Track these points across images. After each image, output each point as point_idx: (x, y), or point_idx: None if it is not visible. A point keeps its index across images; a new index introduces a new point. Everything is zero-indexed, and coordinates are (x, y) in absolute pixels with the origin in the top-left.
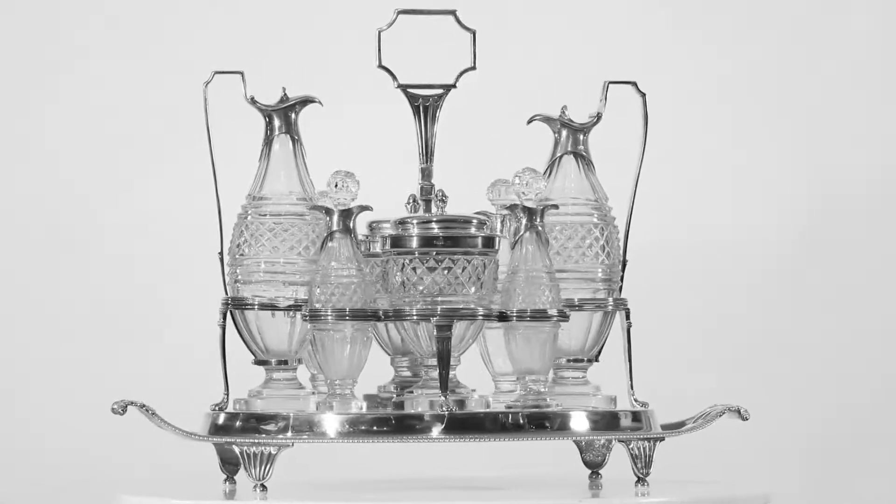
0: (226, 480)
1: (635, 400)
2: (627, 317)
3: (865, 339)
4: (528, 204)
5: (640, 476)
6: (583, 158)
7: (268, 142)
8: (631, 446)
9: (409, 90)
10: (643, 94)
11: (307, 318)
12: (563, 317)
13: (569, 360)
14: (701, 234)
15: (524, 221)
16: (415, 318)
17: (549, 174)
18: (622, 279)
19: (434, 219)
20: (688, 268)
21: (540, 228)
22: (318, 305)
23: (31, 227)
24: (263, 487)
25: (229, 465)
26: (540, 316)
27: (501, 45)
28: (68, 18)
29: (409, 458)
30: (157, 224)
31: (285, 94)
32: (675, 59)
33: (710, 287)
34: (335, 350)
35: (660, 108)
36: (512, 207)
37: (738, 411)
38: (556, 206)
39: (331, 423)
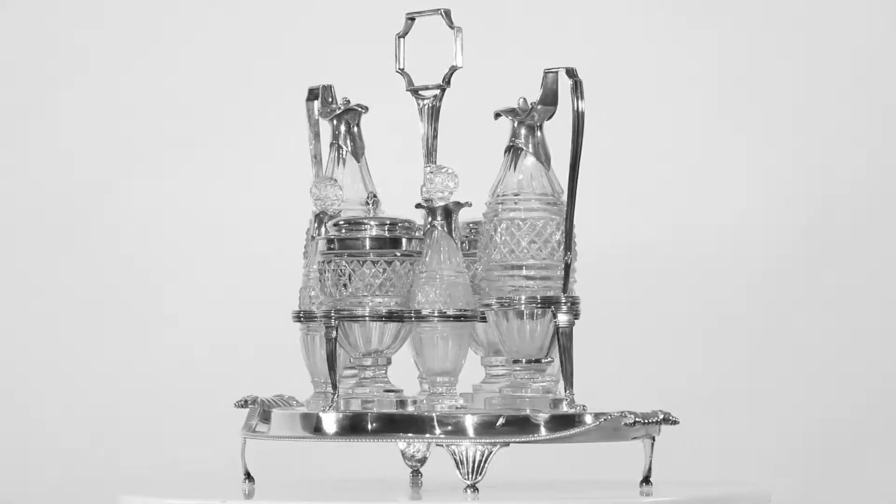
0: (413, 473)
1: (572, 402)
2: (562, 315)
3: (865, 339)
4: (439, 203)
5: (469, 483)
6: (537, 152)
7: (330, 148)
8: (452, 450)
9: (417, 92)
10: (576, 81)
11: (299, 320)
12: (449, 317)
13: (528, 361)
14: (701, 234)
15: (437, 221)
16: (320, 319)
17: (508, 168)
18: (566, 278)
19: (347, 221)
20: (687, 268)
21: (452, 228)
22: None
23: (32, 227)
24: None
25: (412, 459)
26: (421, 316)
27: (511, 44)
28: (75, 20)
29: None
30: (159, 223)
31: (340, 103)
32: (674, 57)
33: (709, 287)
34: (315, 350)
35: (660, 108)
36: (419, 206)
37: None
38: (468, 204)
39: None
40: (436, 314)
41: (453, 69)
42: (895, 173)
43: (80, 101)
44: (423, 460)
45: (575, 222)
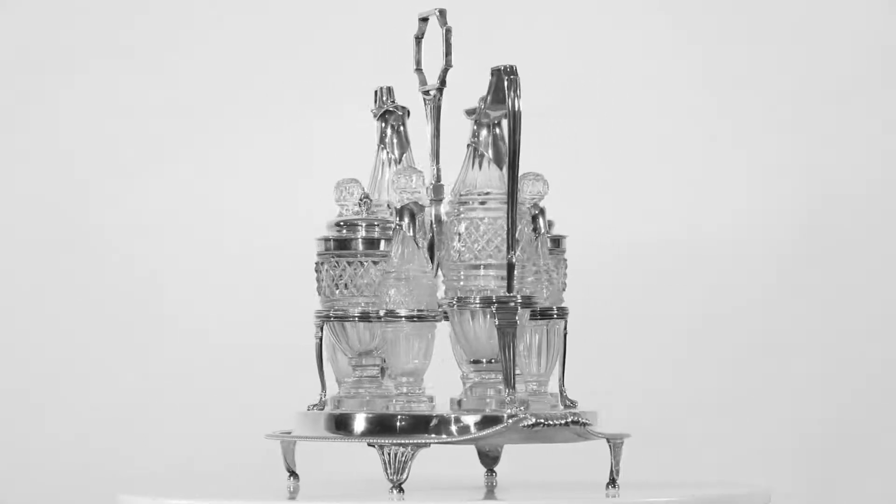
0: (487, 473)
1: (511, 402)
2: (500, 314)
3: (865, 339)
4: (403, 203)
5: (392, 482)
6: (495, 150)
7: (377, 149)
8: (384, 451)
9: (428, 93)
10: (511, 79)
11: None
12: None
13: (489, 361)
14: (701, 234)
15: (404, 222)
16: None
17: (466, 167)
18: (509, 278)
19: (333, 223)
20: (688, 267)
21: (416, 228)
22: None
23: (33, 226)
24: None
25: (487, 458)
26: (392, 317)
27: (513, 45)
28: (72, 20)
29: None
30: (159, 223)
31: (386, 106)
32: (675, 58)
33: (709, 287)
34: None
35: (659, 107)
36: (389, 206)
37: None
38: (429, 204)
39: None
40: (401, 314)
41: (446, 69)
42: (895, 173)
43: (80, 101)
44: (496, 459)
45: (574, 223)
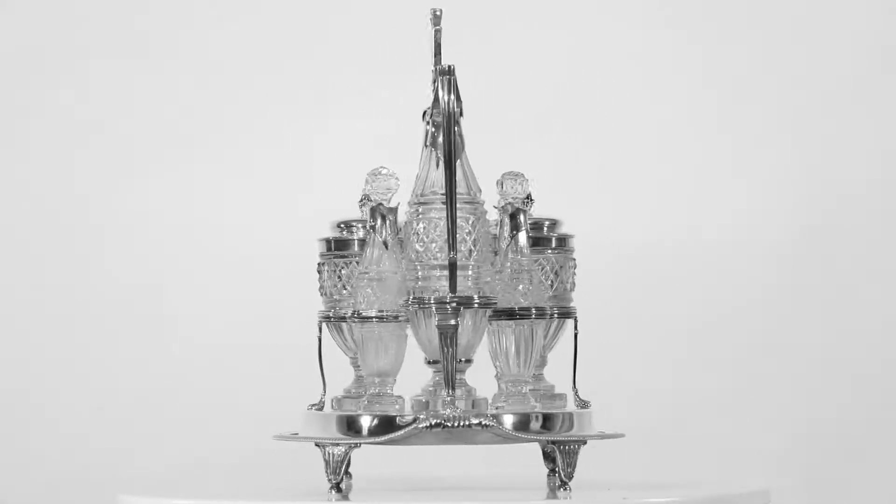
0: (549, 474)
1: (451, 402)
2: (442, 315)
3: (865, 338)
4: (374, 203)
5: (332, 482)
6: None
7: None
8: (326, 451)
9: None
10: (446, 78)
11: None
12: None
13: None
14: (701, 234)
15: (376, 223)
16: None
17: (426, 167)
18: (452, 278)
19: (335, 224)
20: (688, 267)
21: (386, 229)
22: None
23: (33, 226)
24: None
25: (548, 458)
26: (365, 318)
27: (514, 45)
28: (70, 18)
29: (407, 459)
30: (160, 223)
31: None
32: (674, 57)
33: (709, 287)
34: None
35: (659, 107)
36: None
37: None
38: (398, 205)
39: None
40: (367, 314)
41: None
42: (895, 173)
43: (81, 101)
44: (556, 460)
45: (574, 223)
